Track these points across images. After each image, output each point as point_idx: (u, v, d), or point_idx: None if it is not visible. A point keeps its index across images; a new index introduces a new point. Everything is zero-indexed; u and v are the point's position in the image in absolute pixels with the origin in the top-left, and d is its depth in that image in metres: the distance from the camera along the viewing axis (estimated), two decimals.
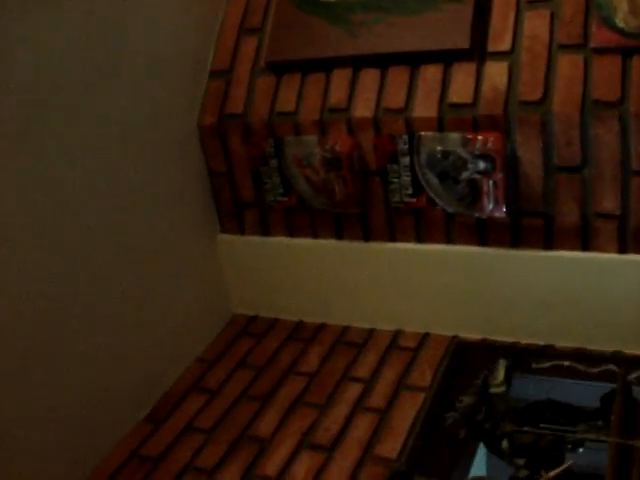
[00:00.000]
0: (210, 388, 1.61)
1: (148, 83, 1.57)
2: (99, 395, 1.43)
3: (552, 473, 0.97)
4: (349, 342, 1.70)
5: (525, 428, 1.01)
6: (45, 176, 1.32)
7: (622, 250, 1.45)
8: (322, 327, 1.76)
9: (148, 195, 1.57)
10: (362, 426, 1.42)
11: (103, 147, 1.45)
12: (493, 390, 1.07)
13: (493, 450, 1.05)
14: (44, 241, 1.32)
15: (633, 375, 1.22)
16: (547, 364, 1.27)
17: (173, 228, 1.66)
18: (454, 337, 1.63)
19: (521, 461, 1.00)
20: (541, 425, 1.05)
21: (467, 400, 1.08)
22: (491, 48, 1.47)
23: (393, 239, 1.62)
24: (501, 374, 1.09)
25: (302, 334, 1.75)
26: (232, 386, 1.61)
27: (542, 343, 1.52)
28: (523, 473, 0.99)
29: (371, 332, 1.71)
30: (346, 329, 1.74)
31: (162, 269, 1.62)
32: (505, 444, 1.03)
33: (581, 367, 1.25)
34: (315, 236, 1.70)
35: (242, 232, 1.77)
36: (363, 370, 1.60)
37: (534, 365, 1.25)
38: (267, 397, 1.55)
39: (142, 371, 1.56)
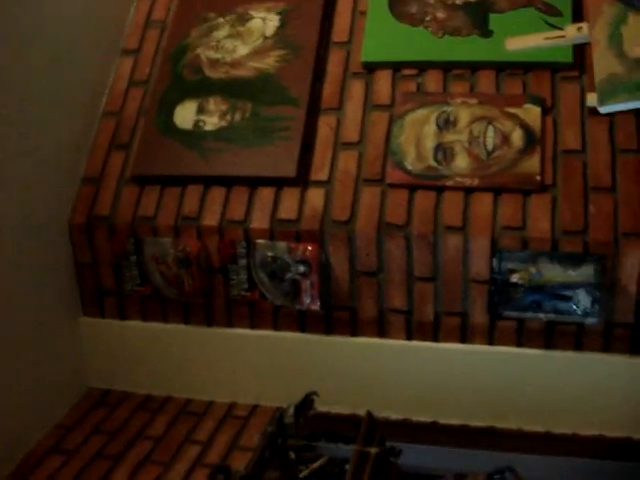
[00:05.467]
0: (68, 449, 1.86)
1: (26, 186, 1.86)
2: None
3: (315, 465, 1.36)
4: (191, 412, 2.00)
5: (303, 442, 1.39)
6: None
7: (409, 337, 1.87)
8: (168, 399, 2.05)
9: (18, 280, 1.84)
10: (200, 478, 1.72)
11: None
12: (286, 420, 1.45)
13: (282, 460, 1.41)
14: None
15: None
16: None
17: (38, 309, 1.92)
18: (279, 408, 1.96)
19: (306, 469, 1.39)
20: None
21: (269, 428, 1.46)
22: (313, 177, 1.89)
23: (231, 325, 1.97)
24: (292, 410, 1.48)
25: (151, 405, 2.03)
26: (88, 448, 1.87)
27: (347, 412, 1.90)
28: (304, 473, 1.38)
29: (210, 404, 2.03)
30: (189, 401, 2.04)
31: (25, 347, 1.86)
32: (292, 455, 1.40)
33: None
34: (165, 321, 2.02)
35: (102, 316, 2.06)
36: (202, 434, 1.90)
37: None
38: (119, 457, 1.83)
39: (5, 433, 1.79)
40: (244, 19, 2.13)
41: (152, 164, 1.99)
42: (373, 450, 1.36)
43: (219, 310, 1.96)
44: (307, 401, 1.56)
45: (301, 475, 1.39)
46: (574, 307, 1.70)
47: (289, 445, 1.44)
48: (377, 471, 1.36)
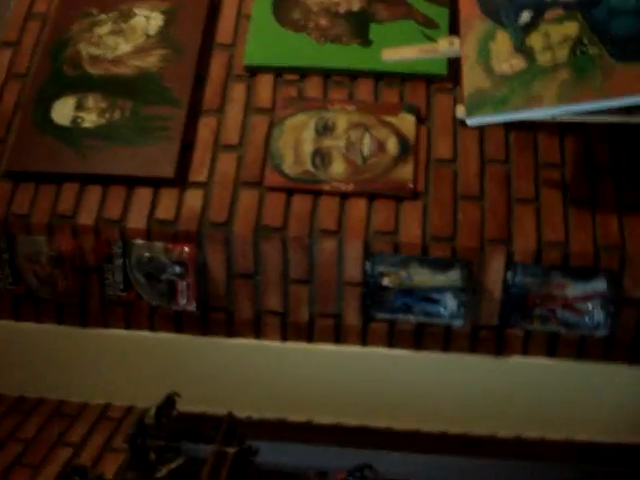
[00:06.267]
0: None
1: None
2: None
3: (172, 465, 1.38)
4: (64, 414, 1.97)
5: (162, 442, 1.41)
6: None
7: (284, 338, 1.90)
8: (41, 401, 2.01)
9: None
10: None
11: None
12: (147, 421, 1.47)
13: (142, 461, 1.42)
14: None
15: None
16: None
17: None
18: None
19: (164, 469, 1.40)
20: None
21: (130, 430, 1.47)
22: (191, 179, 1.89)
23: (106, 326, 1.95)
24: (152, 411, 1.49)
25: (23, 407, 1.99)
26: None
27: (224, 413, 1.90)
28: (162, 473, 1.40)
29: (84, 405, 2.00)
30: (63, 403, 2.01)
31: None
32: (152, 456, 1.42)
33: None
34: (39, 321, 1.97)
35: None
36: (75, 436, 1.88)
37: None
38: None
39: None
40: (127, 16, 2.11)
41: (27, 160, 1.94)
42: (231, 450, 1.39)
43: (94, 311, 1.94)
44: (168, 401, 1.56)
45: (158, 475, 1.40)
46: (442, 310, 1.77)
47: (149, 446, 1.45)
48: (235, 470, 1.39)
